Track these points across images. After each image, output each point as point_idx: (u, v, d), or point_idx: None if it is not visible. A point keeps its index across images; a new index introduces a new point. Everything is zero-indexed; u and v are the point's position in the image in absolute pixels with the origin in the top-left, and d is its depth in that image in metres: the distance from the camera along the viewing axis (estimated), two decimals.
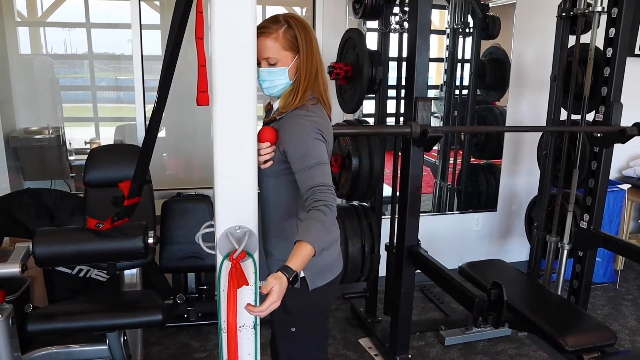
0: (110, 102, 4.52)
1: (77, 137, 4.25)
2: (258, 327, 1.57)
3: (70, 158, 4.07)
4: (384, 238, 2.94)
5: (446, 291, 2.19)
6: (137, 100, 3.00)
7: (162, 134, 4.32)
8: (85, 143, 4.13)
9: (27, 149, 3.84)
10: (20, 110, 3.93)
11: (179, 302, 2.61)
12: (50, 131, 3.94)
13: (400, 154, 2.46)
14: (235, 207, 1.46)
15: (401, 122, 2.66)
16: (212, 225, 1.53)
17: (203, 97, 1.29)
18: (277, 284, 1.29)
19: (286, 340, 1.67)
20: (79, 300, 2.13)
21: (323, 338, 1.74)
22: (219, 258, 1.49)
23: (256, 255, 1.51)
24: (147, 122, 1.52)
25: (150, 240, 1.84)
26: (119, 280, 2.56)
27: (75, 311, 1.97)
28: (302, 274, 1.58)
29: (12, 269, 1.69)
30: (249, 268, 1.50)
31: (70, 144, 4.23)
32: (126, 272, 2.56)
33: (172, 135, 4.34)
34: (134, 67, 2.92)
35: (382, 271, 2.97)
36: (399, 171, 2.52)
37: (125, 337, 2.19)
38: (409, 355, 2.57)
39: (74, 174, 4.05)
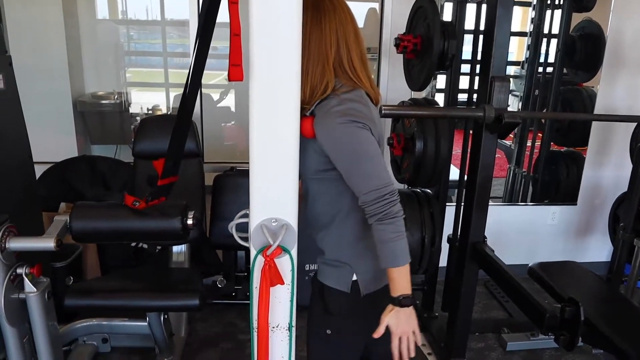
0: (185, 68, 4.51)
1: (152, 102, 4.28)
2: (294, 329, 1.42)
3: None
4: (448, 227, 2.69)
5: (511, 298, 1.95)
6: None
7: (230, 101, 4.25)
8: (148, 110, 4.13)
9: (94, 113, 3.89)
10: (89, 75, 3.98)
11: (219, 285, 2.52)
12: (116, 96, 3.98)
13: (471, 135, 2.20)
14: (273, 197, 1.30)
15: (474, 103, 2.38)
16: (247, 215, 1.38)
17: (236, 71, 1.12)
18: (389, 317, 1.31)
19: (318, 340, 1.51)
20: (120, 275, 2.08)
21: (358, 350, 1.56)
22: (252, 252, 1.34)
23: (294, 252, 1.35)
24: (183, 95, 1.36)
25: (190, 222, 1.72)
26: (167, 255, 2.50)
27: (113, 289, 1.92)
28: (354, 277, 1.42)
29: (47, 243, 1.62)
30: (286, 265, 1.34)
31: (141, 108, 4.27)
32: (174, 247, 2.49)
33: (240, 103, 4.25)
34: (190, 33, 2.80)
35: (443, 261, 2.73)
36: (468, 154, 2.26)
37: (166, 316, 2.12)
38: None
39: None
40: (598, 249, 3.46)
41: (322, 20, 1.28)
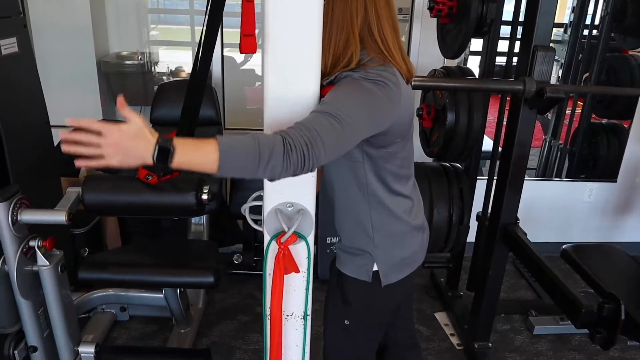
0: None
1: (179, 61, 4.18)
2: (309, 318, 1.35)
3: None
4: (478, 202, 2.54)
5: (543, 287, 1.84)
6: None
7: (255, 63, 4.10)
8: (171, 72, 4.04)
9: (118, 74, 3.82)
10: (113, 35, 3.88)
11: (236, 262, 2.47)
12: (140, 57, 3.89)
13: (507, 102, 2.03)
14: (288, 179, 1.19)
15: (513, 69, 2.19)
16: (261, 197, 1.29)
17: (248, 42, 1.00)
18: (134, 130, 0.93)
19: (335, 331, 1.44)
20: (135, 249, 2.04)
21: (376, 339, 1.49)
22: (267, 238, 1.25)
23: (310, 238, 1.26)
24: (193, 67, 1.26)
25: (205, 197, 1.65)
26: (186, 226, 2.46)
27: (127, 262, 1.87)
28: (375, 268, 1.32)
29: (58, 216, 1.57)
30: (301, 252, 1.26)
31: (167, 68, 4.18)
32: (193, 218, 2.44)
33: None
34: None
35: (471, 236, 2.59)
36: (504, 124, 2.10)
37: (183, 289, 2.08)
38: (489, 344, 2.27)
39: None
40: (636, 229, 3.28)
41: None
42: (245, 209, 1.33)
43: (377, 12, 1.15)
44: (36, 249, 1.63)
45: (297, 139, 0.95)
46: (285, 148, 0.94)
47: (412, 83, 1.60)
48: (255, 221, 1.33)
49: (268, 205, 1.22)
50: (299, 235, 1.23)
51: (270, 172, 0.95)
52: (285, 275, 1.25)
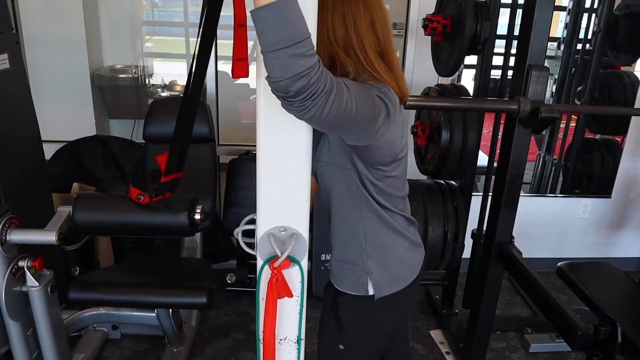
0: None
1: (175, 73, 4.16)
2: (302, 342, 1.33)
3: (163, 94, 3.99)
4: (473, 219, 2.53)
5: (538, 307, 1.82)
6: None
7: (249, 78, 4.09)
8: (165, 85, 4.02)
9: (111, 87, 3.81)
10: (107, 48, 3.87)
11: (229, 281, 2.44)
12: (134, 70, 3.88)
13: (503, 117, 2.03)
14: (281, 204, 1.19)
15: (507, 83, 2.18)
16: (254, 221, 1.27)
17: (240, 66, 0.99)
18: None
19: (330, 355, 1.42)
20: (126, 268, 2.01)
21: (374, 359, 1.47)
22: (259, 262, 1.23)
23: (304, 263, 1.24)
24: (185, 90, 1.24)
25: (197, 217, 1.63)
26: (179, 244, 2.43)
27: (118, 282, 1.85)
28: (368, 280, 1.30)
29: (48, 237, 1.55)
30: (295, 277, 1.24)
31: (162, 80, 4.17)
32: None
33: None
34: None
35: (467, 252, 2.57)
36: (499, 139, 2.09)
37: (175, 309, 2.06)
38: None
39: None
40: (631, 245, 3.28)
41: (325, 7, 1.10)
42: (238, 233, 1.31)
43: (359, 36, 1.13)
44: (25, 269, 1.60)
45: (326, 74, 0.90)
46: (316, 66, 0.87)
47: (407, 103, 1.60)
48: (248, 244, 1.31)
49: (261, 229, 1.20)
50: (292, 260, 1.22)
51: (289, 63, 0.84)
52: (278, 300, 1.23)
